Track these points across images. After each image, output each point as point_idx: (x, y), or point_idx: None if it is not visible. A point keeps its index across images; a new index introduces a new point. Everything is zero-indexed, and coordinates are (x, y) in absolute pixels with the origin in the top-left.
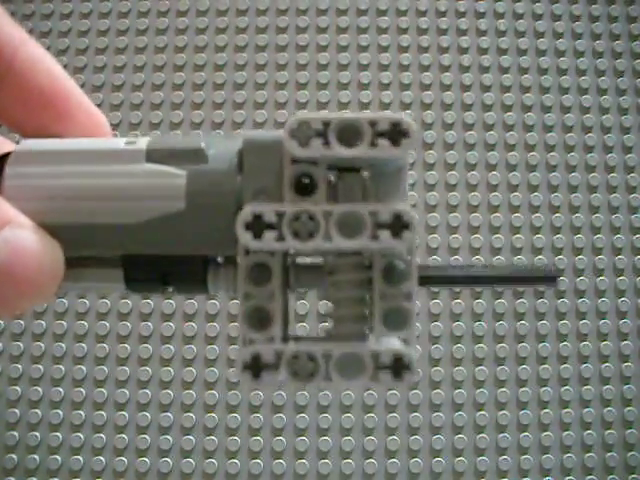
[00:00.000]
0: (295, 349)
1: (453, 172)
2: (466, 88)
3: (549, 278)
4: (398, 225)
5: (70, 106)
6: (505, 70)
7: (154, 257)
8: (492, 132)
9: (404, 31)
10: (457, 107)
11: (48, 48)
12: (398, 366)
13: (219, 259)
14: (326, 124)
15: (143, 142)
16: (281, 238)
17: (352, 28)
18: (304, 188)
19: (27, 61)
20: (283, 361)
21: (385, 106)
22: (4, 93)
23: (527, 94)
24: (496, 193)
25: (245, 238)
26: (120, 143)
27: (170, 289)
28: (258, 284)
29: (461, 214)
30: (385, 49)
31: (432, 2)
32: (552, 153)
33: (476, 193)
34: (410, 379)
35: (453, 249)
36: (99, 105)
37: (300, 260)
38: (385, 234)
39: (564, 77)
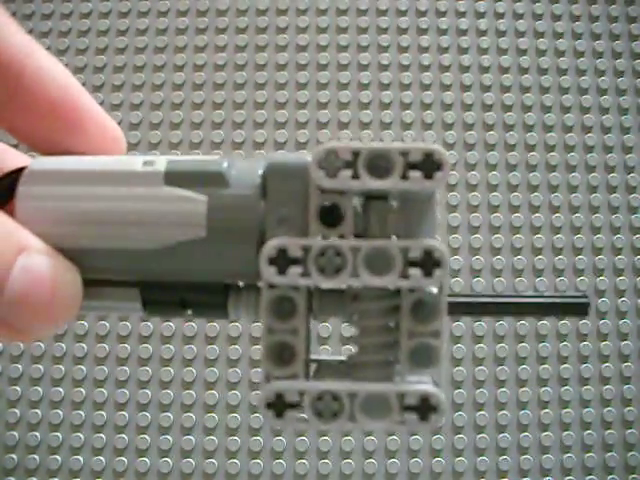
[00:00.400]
0: (319, 388)
1: (453, 172)
2: (466, 88)
3: (580, 307)
4: (429, 263)
5: (82, 119)
6: (505, 70)
7: (173, 283)
8: (492, 132)
9: (404, 31)
10: (457, 107)
11: (48, 48)
12: (425, 407)
13: (240, 283)
14: (355, 154)
15: (161, 163)
16: (306, 274)
17: (352, 28)
18: (331, 218)
19: (37, 72)
20: (307, 401)
21: (385, 106)
22: (14, 106)
23: (527, 94)
24: (496, 193)
25: (269, 273)
26: (138, 164)
27: (189, 313)
28: (282, 318)
29: (461, 214)
30: (385, 49)
31: (432, 2)
32: (552, 153)
33: (476, 193)
34: (437, 421)
35: (453, 249)
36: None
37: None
38: (415, 272)
39: (564, 77)
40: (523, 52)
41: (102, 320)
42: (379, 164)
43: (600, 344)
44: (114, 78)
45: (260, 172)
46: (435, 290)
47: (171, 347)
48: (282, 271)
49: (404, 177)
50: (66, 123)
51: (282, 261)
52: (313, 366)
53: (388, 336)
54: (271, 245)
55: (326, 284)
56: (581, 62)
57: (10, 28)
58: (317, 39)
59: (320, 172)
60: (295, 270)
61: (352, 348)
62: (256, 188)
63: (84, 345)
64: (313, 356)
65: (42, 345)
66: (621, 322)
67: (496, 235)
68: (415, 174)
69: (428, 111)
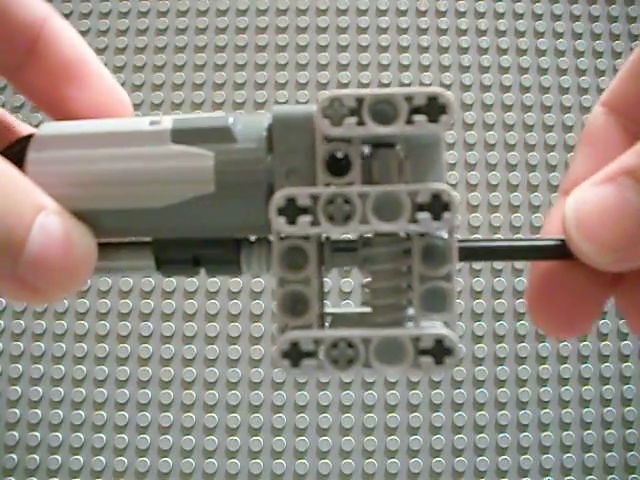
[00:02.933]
0: (334, 336)
1: (453, 172)
2: (466, 88)
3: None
4: (438, 206)
5: (93, 78)
6: (505, 70)
7: (185, 240)
8: (492, 132)
9: (404, 31)
10: (457, 107)
11: None
12: (439, 350)
13: (251, 238)
14: (360, 101)
15: (168, 122)
16: (316, 222)
17: (352, 28)
18: (338, 167)
19: (54, 33)
20: (322, 349)
21: None
22: (31, 64)
23: (527, 94)
24: (496, 193)
25: (279, 223)
26: (144, 123)
27: (202, 270)
28: (293, 269)
29: (461, 214)
30: (385, 49)
31: (432, 2)
32: (552, 153)
33: (476, 193)
34: (452, 364)
35: None
36: None
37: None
38: (424, 216)
39: (564, 77)
40: (523, 52)
41: (102, 320)
42: (384, 110)
43: (600, 344)
44: (114, 78)
45: (266, 125)
46: (445, 234)
47: (171, 347)
48: (292, 221)
49: (409, 122)
50: (79, 80)
51: (291, 211)
52: (329, 319)
53: (400, 282)
54: (280, 195)
55: (336, 232)
56: (581, 62)
57: None
58: (317, 39)
59: (325, 121)
60: (304, 219)
61: (365, 295)
62: (262, 141)
63: (84, 345)
64: (329, 309)
65: (42, 345)
66: (621, 322)
67: (496, 235)
68: (420, 118)
69: None
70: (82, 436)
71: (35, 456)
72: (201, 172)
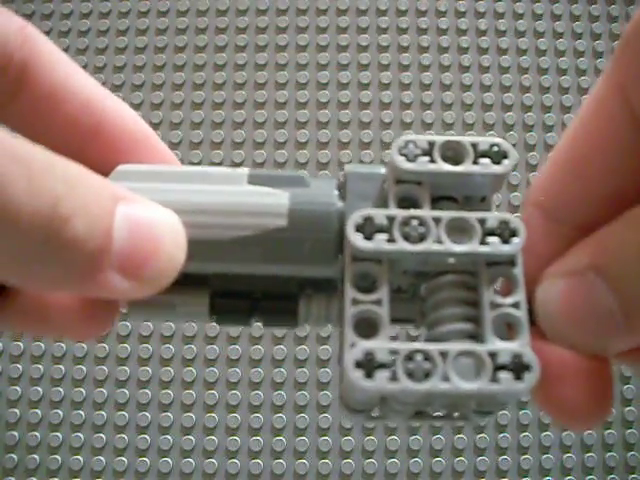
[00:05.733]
0: (411, 347)
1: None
2: (466, 88)
3: None
4: (506, 232)
5: (155, 154)
6: (505, 70)
7: (246, 279)
8: (492, 132)
9: (404, 31)
10: (457, 107)
11: None
12: (517, 366)
13: (308, 292)
14: (431, 144)
15: (244, 169)
16: (392, 240)
17: (352, 28)
18: (409, 207)
19: (115, 113)
20: (398, 360)
21: (385, 106)
22: (95, 143)
23: (527, 94)
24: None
25: (355, 239)
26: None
27: (256, 319)
28: (365, 291)
29: None
30: (385, 49)
31: (432, 2)
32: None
33: None
34: (531, 381)
35: None
36: None
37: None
38: (494, 239)
39: (564, 77)
40: (523, 52)
41: None
42: (451, 154)
43: None
44: (114, 78)
45: (338, 182)
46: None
47: (171, 347)
48: (368, 238)
49: (475, 163)
50: (141, 156)
51: (368, 229)
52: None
53: (467, 311)
54: (358, 214)
55: (411, 251)
56: (581, 62)
57: (89, 78)
58: (317, 39)
59: (401, 157)
60: (381, 236)
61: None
62: (334, 188)
63: (84, 345)
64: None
65: (42, 345)
66: None
67: None
68: (485, 160)
69: (428, 111)
70: (82, 436)
71: (35, 456)
72: (275, 207)
